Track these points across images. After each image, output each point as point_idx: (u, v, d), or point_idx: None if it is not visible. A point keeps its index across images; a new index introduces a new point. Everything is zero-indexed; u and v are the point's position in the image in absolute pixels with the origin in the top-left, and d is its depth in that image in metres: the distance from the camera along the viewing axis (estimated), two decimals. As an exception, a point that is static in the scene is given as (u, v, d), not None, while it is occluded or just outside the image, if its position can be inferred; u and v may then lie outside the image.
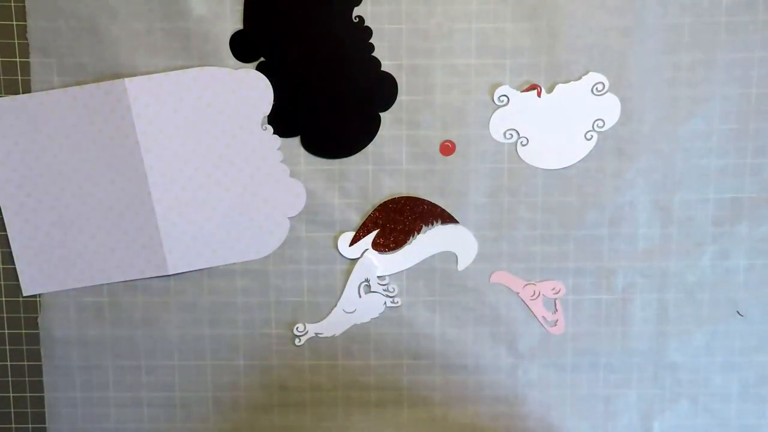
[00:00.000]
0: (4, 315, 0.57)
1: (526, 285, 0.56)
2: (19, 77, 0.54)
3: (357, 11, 0.53)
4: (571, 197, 0.55)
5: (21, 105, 0.54)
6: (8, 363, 0.58)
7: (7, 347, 0.58)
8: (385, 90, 0.54)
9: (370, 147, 0.55)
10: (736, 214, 0.56)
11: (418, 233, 0.56)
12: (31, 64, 0.54)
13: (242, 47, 0.54)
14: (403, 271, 0.57)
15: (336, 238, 0.56)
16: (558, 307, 0.57)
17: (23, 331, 0.58)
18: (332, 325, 0.57)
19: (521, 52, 0.54)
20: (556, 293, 0.57)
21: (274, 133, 0.55)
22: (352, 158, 0.55)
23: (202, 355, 0.58)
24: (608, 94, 0.54)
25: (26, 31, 0.54)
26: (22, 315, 0.57)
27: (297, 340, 0.57)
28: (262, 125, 0.55)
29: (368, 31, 0.53)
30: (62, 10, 0.53)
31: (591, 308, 0.57)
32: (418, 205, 0.56)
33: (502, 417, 0.57)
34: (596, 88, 0.54)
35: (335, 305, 0.57)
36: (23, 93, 0.54)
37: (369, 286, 0.57)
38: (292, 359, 0.58)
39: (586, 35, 0.53)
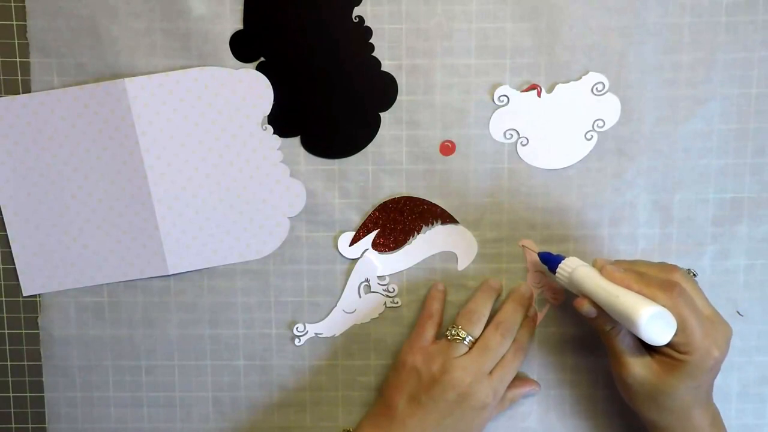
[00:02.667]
0: (4, 315, 0.57)
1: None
2: (19, 77, 0.54)
3: (357, 11, 0.53)
4: (571, 197, 0.55)
5: (21, 105, 0.54)
6: (8, 363, 0.58)
7: (7, 347, 0.58)
8: (385, 90, 0.54)
9: (370, 147, 0.55)
10: (736, 214, 0.56)
11: (418, 233, 0.56)
12: (31, 64, 0.54)
13: (242, 47, 0.54)
14: (403, 271, 0.57)
15: (336, 238, 0.56)
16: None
17: (23, 331, 0.58)
18: (332, 325, 0.57)
19: (521, 52, 0.54)
20: (557, 298, 0.56)
21: (274, 133, 0.55)
22: (352, 158, 0.55)
23: (202, 355, 0.58)
24: (608, 94, 0.54)
25: (26, 31, 0.54)
26: (22, 315, 0.57)
27: (297, 340, 0.57)
28: (262, 125, 0.55)
29: (368, 31, 0.53)
30: (62, 10, 0.53)
31: (591, 308, 0.57)
32: (418, 205, 0.56)
33: (501, 417, 0.57)
34: (596, 88, 0.54)
35: (335, 305, 0.57)
36: (23, 93, 0.54)
37: (369, 286, 0.57)
38: (292, 359, 0.58)
39: (586, 35, 0.53)
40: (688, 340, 0.45)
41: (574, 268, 0.49)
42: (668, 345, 0.45)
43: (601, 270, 0.48)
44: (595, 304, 0.47)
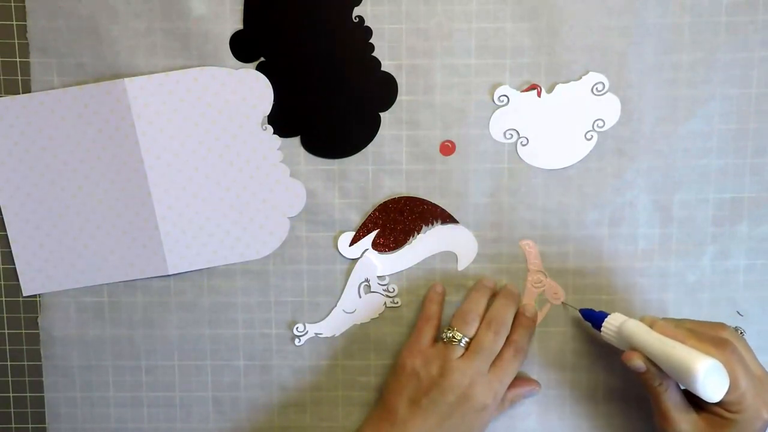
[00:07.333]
0: (4, 315, 0.57)
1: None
2: (19, 77, 0.54)
3: (357, 11, 0.53)
4: (571, 197, 0.55)
5: (21, 105, 0.54)
6: (8, 363, 0.58)
7: (7, 347, 0.58)
8: (385, 90, 0.54)
9: (370, 147, 0.55)
10: (736, 214, 0.56)
11: (418, 233, 0.56)
12: (31, 64, 0.54)
13: (242, 47, 0.54)
14: (403, 271, 0.57)
15: (336, 238, 0.56)
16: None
17: (23, 331, 0.58)
18: (332, 325, 0.57)
19: (521, 52, 0.54)
20: (557, 298, 0.56)
21: (274, 133, 0.55)
22: (352, 158, 0.55)
23: (202, 355, 0.58)
24: (608, 94, 0.54)
25: (26, 31, 0.54)
26: (22, 315, 0.57)
27: (297, 340, 0.57)
28: (262, 125, 0.55)
29: (368, 31, 0.53)
30: (62, 10, 0.53)
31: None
32: (418, 205, 0.56)
33: (501, 416, 0.57)
34: (596, 88, 0.54)
35: (335, 305, 0.57)
36: (23, 93, 0.54)
37: (369, 286, 0.57)
38: (292, 359, 0.58)
39: (586, 35, 0.53)
40: (739, 399, 0.45)
41: (622, 322, 0.49)
42: (718, 403, 0.45)
43: (652, 325, 0.48)
44: (643, 359, 0.47)
